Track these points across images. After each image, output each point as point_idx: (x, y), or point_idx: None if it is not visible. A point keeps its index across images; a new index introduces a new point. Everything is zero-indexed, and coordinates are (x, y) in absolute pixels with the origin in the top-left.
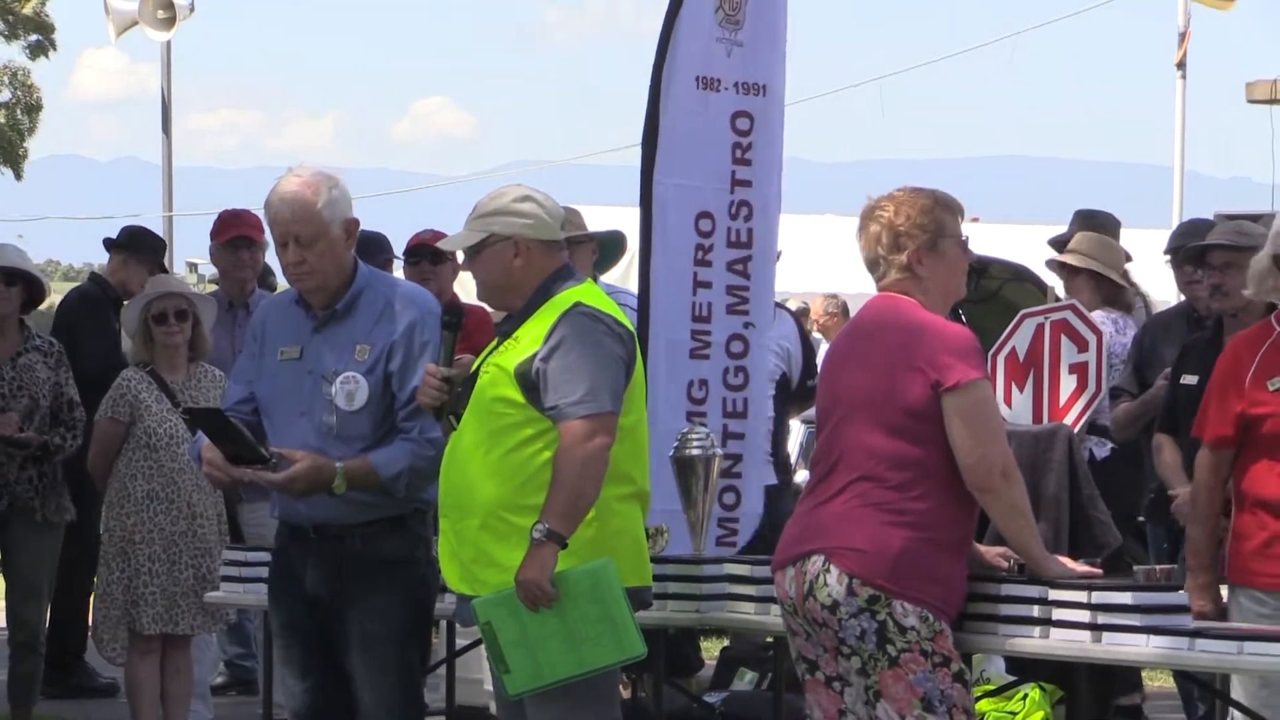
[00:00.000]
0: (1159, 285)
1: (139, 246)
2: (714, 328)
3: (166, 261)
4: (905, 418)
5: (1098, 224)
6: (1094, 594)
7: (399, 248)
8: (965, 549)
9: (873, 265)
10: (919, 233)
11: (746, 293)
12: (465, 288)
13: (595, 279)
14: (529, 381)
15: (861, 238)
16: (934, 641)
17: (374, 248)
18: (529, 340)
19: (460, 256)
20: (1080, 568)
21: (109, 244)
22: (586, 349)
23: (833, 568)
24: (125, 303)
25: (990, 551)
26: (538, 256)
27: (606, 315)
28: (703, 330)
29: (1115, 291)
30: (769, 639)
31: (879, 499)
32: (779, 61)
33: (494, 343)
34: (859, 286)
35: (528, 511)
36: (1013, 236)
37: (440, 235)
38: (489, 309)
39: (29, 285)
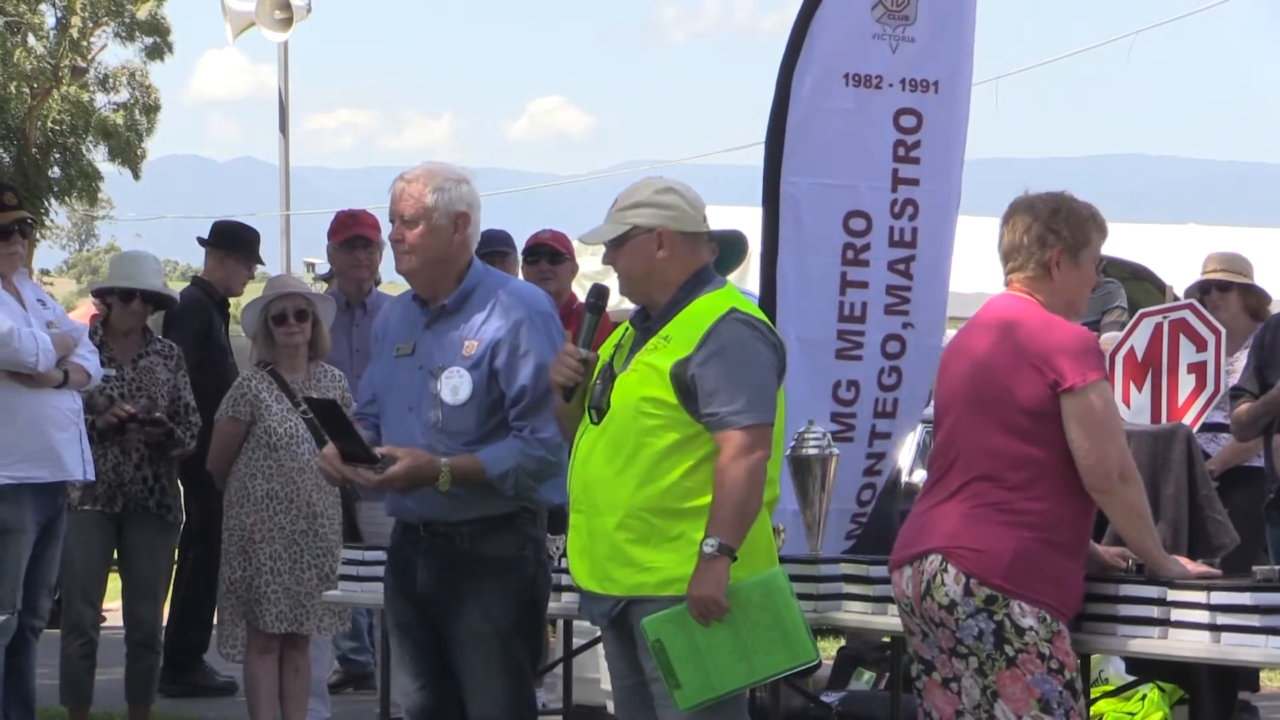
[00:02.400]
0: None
1: (233, 243)
2: (869, 328)
3: (283, 261)
4: (1023, 417)
5: None
6: (1213, 594)
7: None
8: (1082, 550)
9: (1012, 253)
10: (1070, 237)
11: (908, 293)
12: (580, 287)
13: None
14: (683, 384)
15: (1010, 225)
16: (1051, 644)
17: (495, 241)
18: (682, 341)
19: (581, 259)
20: (1198, 568)
21: (202, 243)
22: (746, 357)
23: (950, 567)
24: (231, 301)
25: (1110, 552)
26: (681, 248)
27: (760, 322)
28: (854, 330)
29: (1261, 303)
30: (885, 639)
31: (996, 499)
32: (962, 56)
33: (624, 332)
34: (976, 285)
35: (670, 515)
36: (1131, 236)
37: (559, 235)
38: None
39: (159, 302)
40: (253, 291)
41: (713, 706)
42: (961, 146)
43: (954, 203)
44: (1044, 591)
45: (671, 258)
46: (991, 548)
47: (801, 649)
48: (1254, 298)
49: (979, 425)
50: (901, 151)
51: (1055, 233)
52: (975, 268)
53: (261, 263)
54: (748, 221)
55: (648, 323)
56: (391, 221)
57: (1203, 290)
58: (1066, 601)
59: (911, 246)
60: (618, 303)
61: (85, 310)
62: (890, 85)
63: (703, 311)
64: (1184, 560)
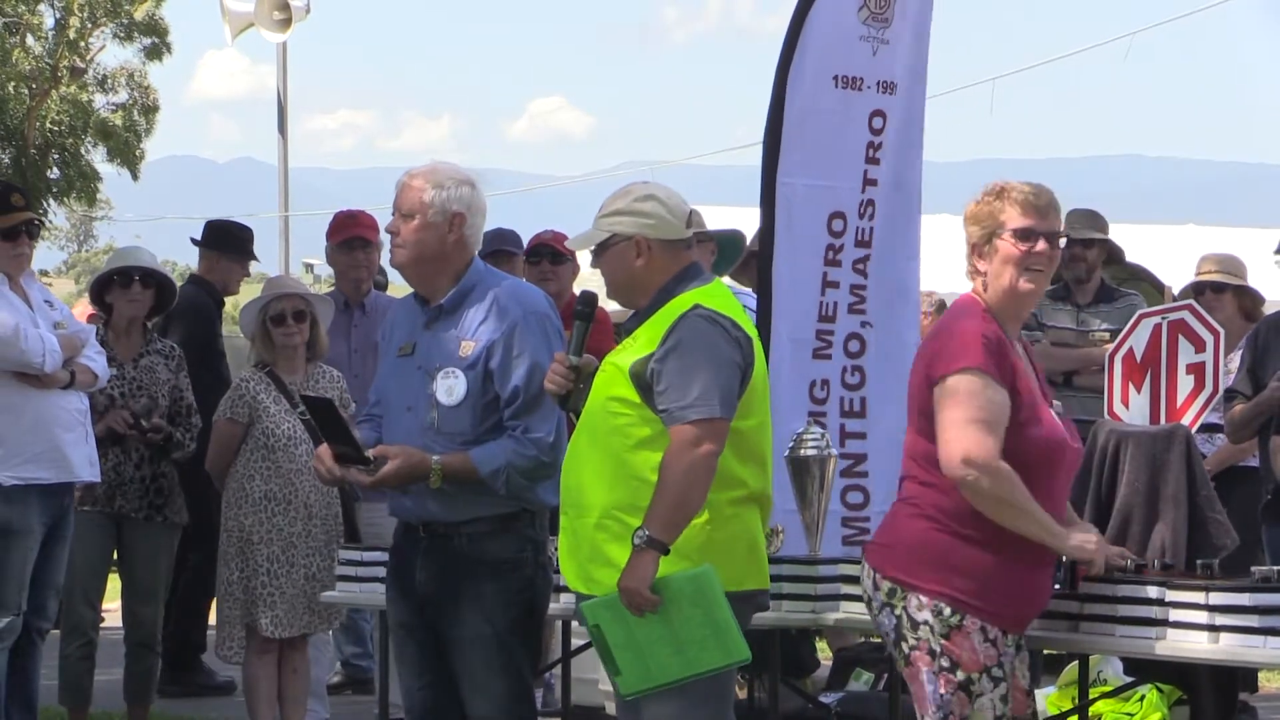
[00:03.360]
0: (1275, 285)
1: (227, 243)
2: (837, 327)
3: (282, 262)
4: (920, 417)
5: (1087, 220)
6: (1211, 595)
7: None
8: (1008, 545)
9: None
10: (976, 229)
11: (865, 291)
12: (588, 282)
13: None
14: (643, 382)
15: None
16: (948, 639)
17: (504, 241)
18: (645, 340)
19: (584, 256)
20: (1104, 548)
21: (196, 243)
22: (701, 352)
23: (864, 562)
24: (226, 299)
25: (1110, 551)
26: (659, 256)
27: (725, 318)
28: (827, 330)
29: (1255, 305)
30: (875, 639)
31: (908, 493)
32: (921, 58)
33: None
34: (960, 288)
35: (643, 513)
36: (1129, 236)
37: (560, 235)
38: (612, 307)
39: (159, 289)
40: (251, 292)
41: (696, 700)
42: (919, 148)
43: (915, 205)
44: (946, 582)
45: (650, 265)
46: (892, 540)
47: (735, 648)
48: (1248, 299)
49: (908, 425)
50: (870, 152)
51: (968, 231)
52: None
53: (256, 259)
54: (746, 222)
55: (631, 324)
56: (392, 215)
57: (1197, 291)
58: (978, 593)
59: (868, 246)
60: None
61: (82, 311)
62: (868, 87)
63: (670, 310)
64: (1081, 537)
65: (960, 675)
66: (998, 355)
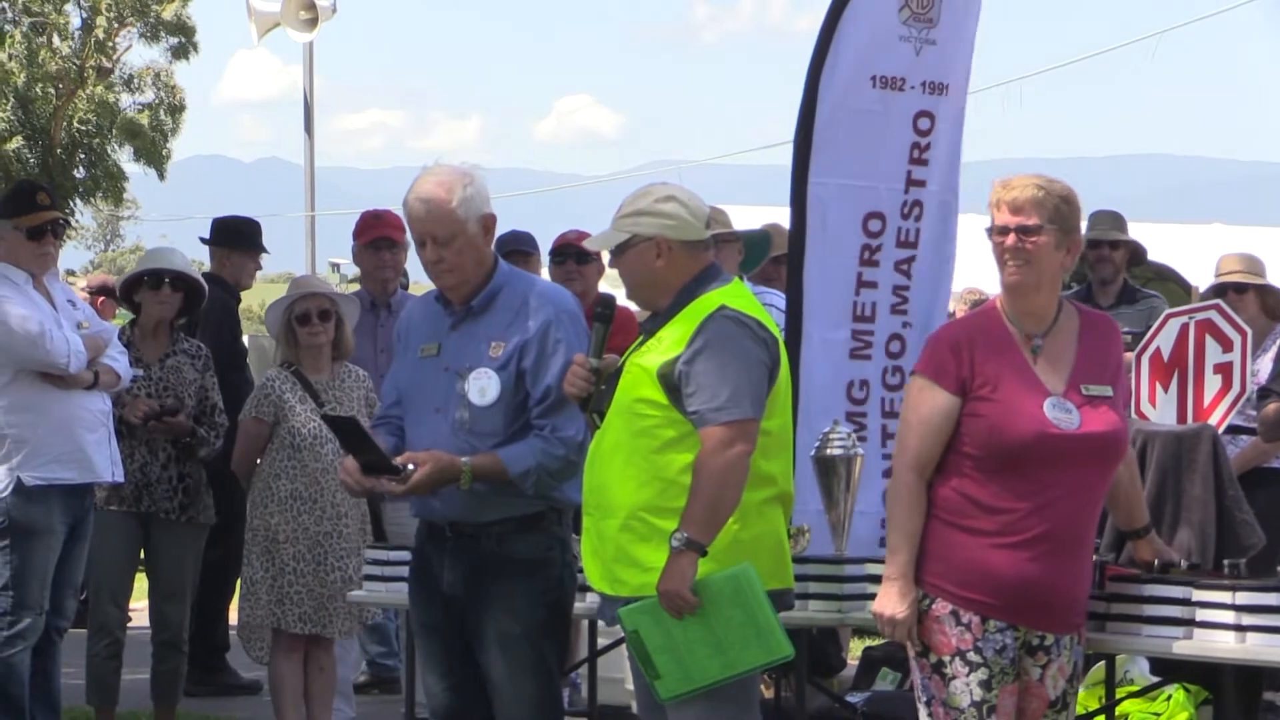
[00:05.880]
0: None
1: (237, 239)
2: (876, 328)
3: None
4: None
5: (1111, 221)
6: (1238, 594)
7: (543, 248)
8: (1002, 534)
9: None
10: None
11: (907, 292)
12: (614, 282)
13: (741, 278)
14: (671, 383)
15: None
16: (922, 624)
17: (518, 242)
18: (672, 341)
19: (606, 255)
20: (890, 621)
21: (205, 241)
22: (730, 354)
23: None
24: (242, 295)
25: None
26: (680, 257)
27: (751, 319)
28: (865, 330)
29: (1278, 303)
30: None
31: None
32: (964, 59)
33: (638, 340)
34: (995, 287)
35: (669, 514)
36: (1156, 236)
37: (585, 235)
38: (634, 308)
39: (188, 292)
40: (274, 290)
41: (720, 701)
42: (960, 147)
43: (955, 205)
44: (924, 568)
45: (670, 266)
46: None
47: (776, 645)
48: (1272, 298)
49: None
50: (915, 153)
51: None
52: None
53: (266, 252)
54: (776, 221)
55: (651, 324)
56: (420, 243)
57: (1219, 292)
58: (946, 576)
59: (914, 247)
60: None
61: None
62: (912, 87)
63: (695, 311)
64: (895, 598)
65: (933, 658)
66: (954, 355)
